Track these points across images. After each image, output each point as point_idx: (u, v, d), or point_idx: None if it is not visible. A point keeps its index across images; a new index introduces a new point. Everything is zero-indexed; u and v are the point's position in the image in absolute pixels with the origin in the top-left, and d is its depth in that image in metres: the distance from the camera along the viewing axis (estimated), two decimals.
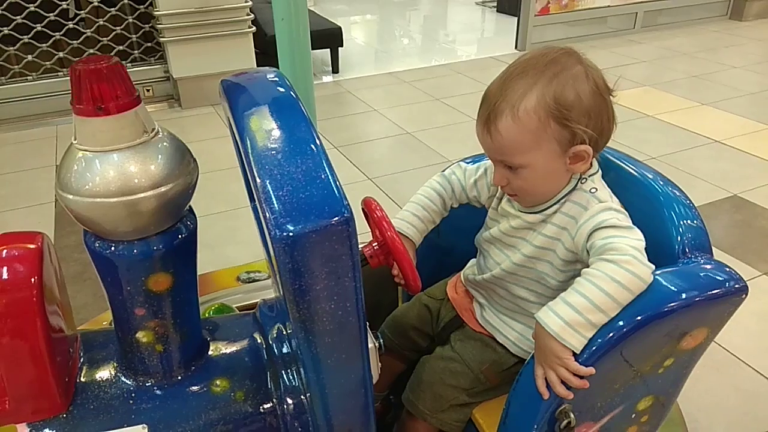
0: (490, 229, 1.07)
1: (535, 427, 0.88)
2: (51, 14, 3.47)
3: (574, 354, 0.83)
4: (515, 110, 0.88)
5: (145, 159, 0.71)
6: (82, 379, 0.85)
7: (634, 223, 0.91)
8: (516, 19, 5.05)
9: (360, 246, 0.94)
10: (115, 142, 0.70)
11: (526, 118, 0.88)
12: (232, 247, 2.33)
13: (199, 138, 3.32)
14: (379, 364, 0.86)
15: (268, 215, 0.62)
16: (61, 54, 3.61)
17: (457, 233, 1.20)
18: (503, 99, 0.89)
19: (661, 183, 1.06)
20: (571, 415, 0.86)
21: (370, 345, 0.79)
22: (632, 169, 1.10)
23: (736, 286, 0.89)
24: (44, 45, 3.54)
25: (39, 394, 0.79)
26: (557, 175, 0.94)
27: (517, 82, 0.89)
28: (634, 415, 1.00)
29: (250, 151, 0.68)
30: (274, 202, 0.62)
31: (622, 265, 0.82)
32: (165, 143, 0.74)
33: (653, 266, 0.85)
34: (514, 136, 0.89)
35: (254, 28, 3.78)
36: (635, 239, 0.86)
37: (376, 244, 0.96)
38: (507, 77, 0.91)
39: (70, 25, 3.57)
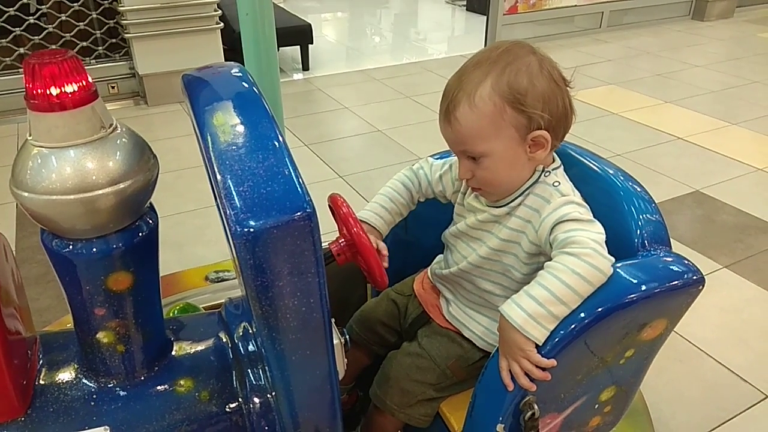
0: (456, 224, 1.08)
1: (501, 419, 0.89)
2: (11, 9, 3.37)
3: (537, 346, 0.84)
4: (471, 98, 0.90)
5: (102, 155, 0.70)
6: (41, 382, 0.83)
7: (595, 217, 0.93)
8: (485, 17, 5.09)
9: (327, 243, 0.95)
10: (72, 138, 0.69)
11: (482, 105, 0.90)
12: (201, 246, 2.30)
13: (167, 136, 3.27)
14: (345, 360, 0.86)
15: (228, 211, 0.61)
16: (22, 50, 3.51)
17: (424, 229, 1.21)
18: (460, 89, 0.92)
19: (622, 178, 1.09)
20: (535, 407, 0.88)
21: (336, 341, 0.79)
22: (594, 164, 1.12)
23: (694, 277, 0.92)
24: (4, 41, 3.44)
25: None
26: (519, 163, 0.96)
27: (473, 73, 0.92)
28: (597, 406, 1.02)
29: (210, 147, 0.67)
30: (235, 197, 0.62)
31: (583, 258, 0.84)
32: (123, 139, 0.73)
33: (613, 259, 0.87)
34: (471, 123, 0.91)
35: (222, 24, 3.74)
36: (596, 232, 0.88)
37: (342, 240, 0.96)
38: (463, 70, 0.94)
39: (32, 20, 3.47)
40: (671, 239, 1.04)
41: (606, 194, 1.06)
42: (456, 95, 0.92)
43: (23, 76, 0.67)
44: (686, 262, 0.94)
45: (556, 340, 0.84)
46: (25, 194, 0.69)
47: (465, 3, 6.80)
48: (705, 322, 1.89)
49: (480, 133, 0.91)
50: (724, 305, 1.97)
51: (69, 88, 0.67)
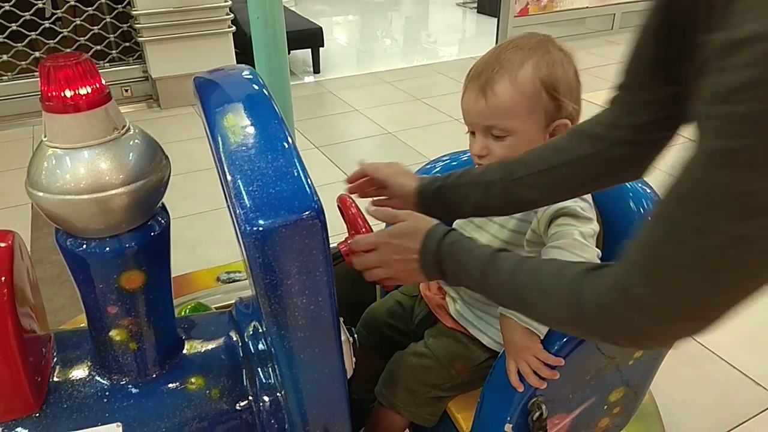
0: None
1: (509, 419, 0.90)
2: (26, 13, 3.43)
3: (544, 344, 0.85)
4: (514, 76, 0.93)
5: (116, 156, 0.71)
6: (56, 379, 0.85)
7: (604, 217, 0.93)
8: (496, 20, 5.09)
9: (336, 243, 0.95)
10: (86, 139, 0.70)
11: (524, 84, 0.93)
12: (212, 247, 2.32)
13: (179, 138, 3.30)
14: (354, 358, 0.86)
15: (238, 210, 0.62)
16: (37, 54, 3.56)
17: None
18: (501, 67, 0.94)
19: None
20: (543, 407, 0.88)
21: (344, 339, 0.79)
22: None
23: None
24: (20, 45, 3.49)
25: (11, 393, 0.79)
26: None
27: (514, 54, 0.95)
28: (606, 407, 1.02)
29: (221, 148, 0.69)
30: (245, 197, 0.62)
31: (568, 249, 0.87)
32: (136, 140, 0.74)
33: (598, 250, 0.89)
34: (510, 99, 0.93)
35: (234, 28, 3.77)
36: (587, 227, 0.90)
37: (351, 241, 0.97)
38: (501, 51, 0.97)
39: (47, 24, 3.52)
40: None
41: (615, 194, 1.06)
42: (497, 71, 0.94)
43: (39, 78, 0.69)
44: None
45: (565, 339, 0.84)
46: (40, 194, 0.71)
47: (476, 5, 6.80)
48: None
49: (515, 110, 0.94)
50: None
51: (83, 91, 0.68)
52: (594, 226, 0.91)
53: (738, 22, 0.41)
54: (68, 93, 0.68)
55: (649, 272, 0.51)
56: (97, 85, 0.70)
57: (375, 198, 1.00)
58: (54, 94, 0.68)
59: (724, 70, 0.42)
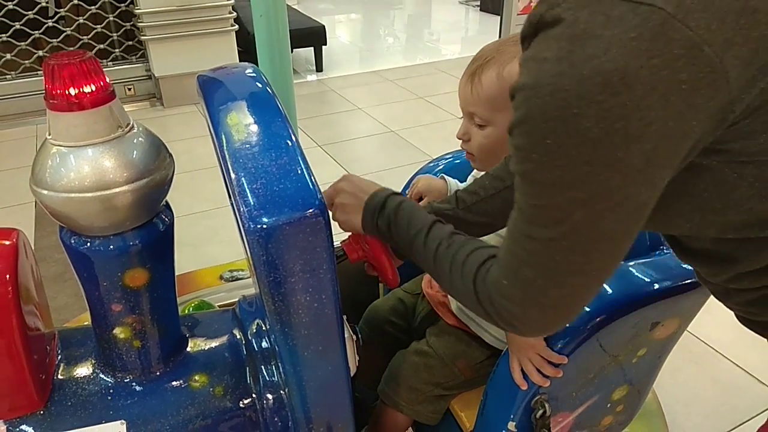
0: None
1: (512, 417, 0.90)
2: (30, 12, 3.43)
3: (550, 344, 0.85)
4: (502, 68, 0.93)
5: (119, 154, 0.71)
6: (60, 376, 0.85)
7: None
8: (499, 18, 5.08)
9: (339, 242, 0.95)
10: (90, 137, 0.70)
11: (509, 78, 0.93)
12: (215, 246, 2.32)
13: (182, 137, 3.30)
14: (357, 356, 0.87)
15: (242, 208, 0.62)
16: (40, 52, 3.57)
17: None
18: (494, 57, 0.95)
19: None
20: (547, 405, 0.88)
21: (347, 337, 0.79)
22: None
23: None
24: (23, 43, 3.50)
25: (15, 391, 0.79)
26: None
27: (511, 47, 0.95)
28: (609, 405, 1.02)
29: (225, 146, 0.69)
30: (249, 195, 0.63)
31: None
32: (140, 138, 0.74)
33: None
34: (491, 90, 0.94)
35: (237, 27, 3.77)
36: None
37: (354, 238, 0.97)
38: (503, 42, 0.98)
39: (50, 23, 3.53)
40: None
41: None
42: (489, 60, 0.95)
43: (43, 76, 0.69)
44: None
45: (569, 338, 0.84)
46: (45, 192, 0.71)
47: (478, 3, 6.79)
48: (720, 322, 1.86)
49: (495, 101, 0.94)
50: None
51: (87, 89, 0.69)
52: None
53: (520, 74, 0.52)
54: (72, 91, 0.68)
55: (507, 267, 0.61)
56: (102, 83, 0.70)
57: None
58: (58, 92, 0.68)
59: (512, 110, 0.53)
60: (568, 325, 0.78)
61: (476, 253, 0.68)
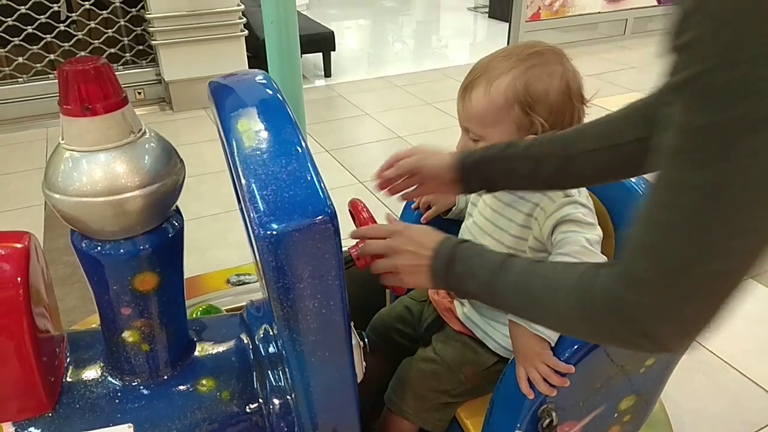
0: (472, 216, 1.11)
1: (519, 425, 0.89)
2: (42, 16, 3.47)
3: (554, 350, 0.85)
4: (489, 85, 0.95)
5: (131, 159, 0.72)
6: (68, 379, 0.86)
7: (615, 224, 0.93)
8: (507, 24, 5.08)
9: (347, 248, 0.96)
10: (102, 142, 0.71)
11: (496, 95, 0.94)
12: (223, 249, 2.33)
13: (191, 141, 3.32)
14: (364, 363, 0.87)
15: (252, 214, 0.63)
16: (52, 56, 3.61)
17: None
18: (484, 73, 0.97)
19: (643, 186, 1.08)
20: (553, 414, 0.88)
21: (354, 344, 0.79)
22: None
23: None
24: (35, 47, 3.53)
25: (24, 393, 0.79)
26: None
27: (500, 62, 0.96)
28: (616, 415, 1.01)
29: (235, 152, 0.69)
30: (259, 201, 0.63)
31: (575, 256, 0.87)
32: (152, 143, 0.75)
33: (604, 257, 0.90)
34: (480, 107, 0.96)
35: (246, 32, 3.79)
36: (592, 234, 0.91)
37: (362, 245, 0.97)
38: (494, 57, 0.99)
39: (62, 27, 3.56)
40: None
41: (627, 200, 1.06)
42: (478, 77, 0.97)
43: (57, 82, 0.70)
44: None
45: (576, 346, 0.84)
46: (57, 196, 0.71)
47: (487, 10, 6.80)
48: (729, 333, 1.83)
49: (485, 118, 0.96)
50: (749, 316, 1.93)
51: (100, 94, 0.69)
52: (598, 232, 0.92)
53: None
54: (86, 97, 0.69)
55: (647, 245, 0.51)
56: (115, 89, 0.70)
57: (403, 192, 1.01)
58: (72, 98, 0.69)
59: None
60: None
61: (576, 269, 0.61)
